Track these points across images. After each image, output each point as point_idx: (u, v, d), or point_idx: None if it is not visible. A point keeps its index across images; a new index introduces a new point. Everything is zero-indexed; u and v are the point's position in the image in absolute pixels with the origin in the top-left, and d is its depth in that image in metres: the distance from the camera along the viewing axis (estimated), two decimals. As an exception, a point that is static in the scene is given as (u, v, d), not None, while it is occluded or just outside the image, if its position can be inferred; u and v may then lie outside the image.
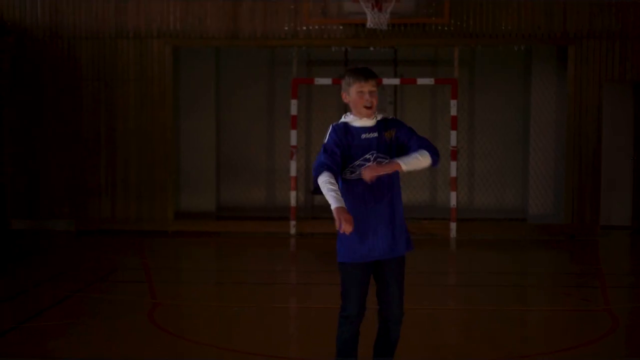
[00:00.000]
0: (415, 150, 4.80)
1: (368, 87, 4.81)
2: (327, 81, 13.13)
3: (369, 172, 4.66)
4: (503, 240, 12.83)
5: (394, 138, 4.86)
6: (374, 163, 4.75)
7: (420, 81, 13.03)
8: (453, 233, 12.85)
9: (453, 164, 12.88)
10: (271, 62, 14.66)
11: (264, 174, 14.72)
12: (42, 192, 13.23)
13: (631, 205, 13.94)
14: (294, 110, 12.95)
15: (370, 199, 4.78)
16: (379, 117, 4.93)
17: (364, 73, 4.86)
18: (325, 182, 4.66)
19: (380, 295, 4.92)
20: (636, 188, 13.85)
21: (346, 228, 4.50)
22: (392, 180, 4.83)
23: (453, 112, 12.78)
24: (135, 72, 13.14)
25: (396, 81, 13.39)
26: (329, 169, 4.72)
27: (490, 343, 6.75)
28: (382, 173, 4.68)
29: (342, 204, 4.57)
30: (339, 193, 4.63)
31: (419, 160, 4.75)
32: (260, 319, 7.60)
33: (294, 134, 12.92)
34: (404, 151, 4.83)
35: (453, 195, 12.89)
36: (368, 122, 4.86)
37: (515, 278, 10.05)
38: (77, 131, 13.19)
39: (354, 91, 4.83)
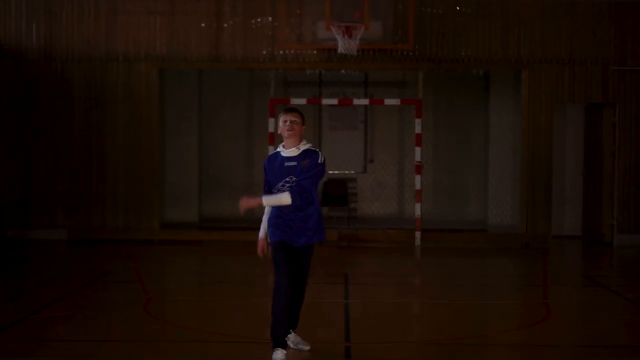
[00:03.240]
0: (287, 190, 6.27)
1: (290, 117, 6.28)
2: (302, 101, 14.21)
3: (243, 204, 6.31)
4: (464, 248, 13.93)
5: (306, 165, 6.28)
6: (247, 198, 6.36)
7: (388, 102, 14.18)
8: (418, 241, 13.93)
9: (418, 178, 13.98)
10: (250, 83, 15.77)
11: (243, 187, 15.74)
12: (36, 204, 14.17)
13: (582, 217, 15.15)
14: (271, 128, 14.00)
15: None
16: (305, 148, 6.32)
17: (285, 109, 6.40)
18: (264, 214, 6.49)
19: None
20: (586, 201, 15.06)
21: (260, 252, 6.51)
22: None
23: (417, 130, 13.90)
24: (124, 93, 14.15)
25: (365, 101, 14.53)
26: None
27: (439, 329, 7.85)
28: (252, 205, 6.34)
29: (263, 237, 6.48)
30: (266, 226, 6.46)
31: (279, 201, 6.27)
32: (241, 310, 8.66)
33: (271, 150, 13.98)
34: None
35: (418, 206, 14.00)
36: (293, 153, 6.30)
37: (471, 279, 11.14)
38: (70, 147, 14.16)
39: (280, 122, 6.33)
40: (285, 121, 6.30)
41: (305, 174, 6.24)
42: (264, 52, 14.15)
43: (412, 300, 9.65)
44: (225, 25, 14.12)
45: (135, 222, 14.18)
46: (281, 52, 14.10)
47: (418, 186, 14.03)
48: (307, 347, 6.64)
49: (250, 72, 15.25)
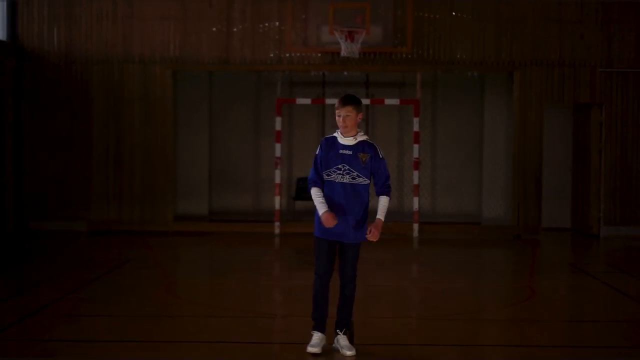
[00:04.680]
0: (378, 193, 6.44)
1: (343, 112, 6.30)
2: (307, 101, 15.13)
3: (375, 237, 6.40)
4: (459, 239, 14.83)
5: (367, 161, 6.35)
6: (373, 228, 6.38)
7: (388, 101, 15.08)
8: (416, 233, 14.82)
9: (415, 173, 14.87)
10: (258, 84, 16.65)
11: (251, 182, 16.67)
12: (57, 197, 15.07)
13: (571, 210, 16.05)
14: (278, 126, 14.89)
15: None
16: (361, 139, 6.37)
17: (342, 100, 6.34)
18: (315, 195, 6.37)
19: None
20: (575, 195, 15.96)
21: (330, 224, 6.28)
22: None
23: (415, 128, 14.79)
24: (140, 93, 15.04)
25: (367, 101, 15.41)
26: (317, 184, 6.40)
27: (433, 306, 8.76)
28: (379, 232, 6.40)
29: (327, 209, 6.30)
30: (324, 201, 6.32)
31: (386, 207, 6.46)
32: (250, 290, 9.57)
33: (278, 147, 14.87)
34: (372, 176, 6.43)
35: (415, 200, 14.89)
36: (349, 142, 6.34)
37: (465, 266, 12.04)
38: (89, 144, 15.06)
39: (336, 114, 6.38)
40: (339, 116, 6.33)
41: (382, 176, 6.40)
42: (271, 55, 15.03)
43: (409, 283, 10.56)
44: (235, 29, 15.01)
45: (150, 214, 15.08)
46: (287, 54, 14.99)
47: (416, 181, 14.91)
48: (350, 352, 6.48)
49: (258, 73, 16.12)
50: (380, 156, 6.42)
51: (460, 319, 8.09)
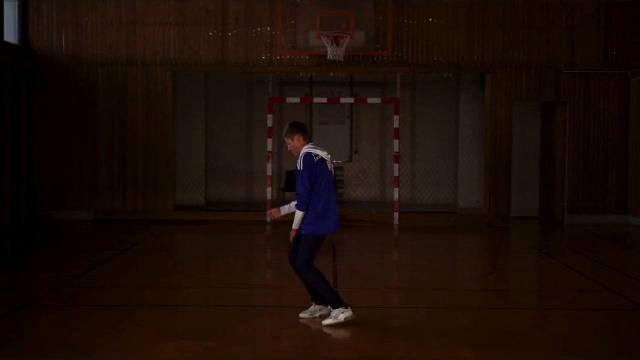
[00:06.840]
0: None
1: (285, 141, 7.60)
2: (296, 100, 16.45)
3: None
4: (435, 226, 16.20)
5: None
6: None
7: (370, 100, 16.43)
8: (396, 221, 16.19)
9: (396, 166, 16.23)
10: (250, 84, 17.96)
11: (243, 174, 17.98)
12: (66, 189, 16.33)
13: (539, 200, 17.47)
14: (269, 123, 16.20)
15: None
16: (302, 153, 7.54)
17: (306, 131, 7.59)
18: (299, 216, 7.52)
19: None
20: (542, 186, 17.37)
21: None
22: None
23: (395, 124, 16.15)
24: (142, 93, 16.31)
25: (351, 100, 16.78)
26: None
27: (411, 280, 10.13)
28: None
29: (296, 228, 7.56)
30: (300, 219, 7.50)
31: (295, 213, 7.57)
32: (244, 268, 10.90)
33: (269, 142, 16.19)
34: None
35: (396, 191, 16.25)
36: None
37: (439, 249, 13.41)
38: (95, 139, 16.32)
39: (300, 140, 7.54)
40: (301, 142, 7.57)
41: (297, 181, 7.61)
42: (263, 57, 16.34)
43: (389, 262, 11.92)
44: (230, 34, 16.31)
45: (151, 204, 16.36)
46: (278, 57, 16.30)
47: (396, 173, 16.28)
48: (324, 322, 7.46)
49: (251, 74, 17.40)
50: (298, 168, 7.52)
51: (431, 288, 9.46)
